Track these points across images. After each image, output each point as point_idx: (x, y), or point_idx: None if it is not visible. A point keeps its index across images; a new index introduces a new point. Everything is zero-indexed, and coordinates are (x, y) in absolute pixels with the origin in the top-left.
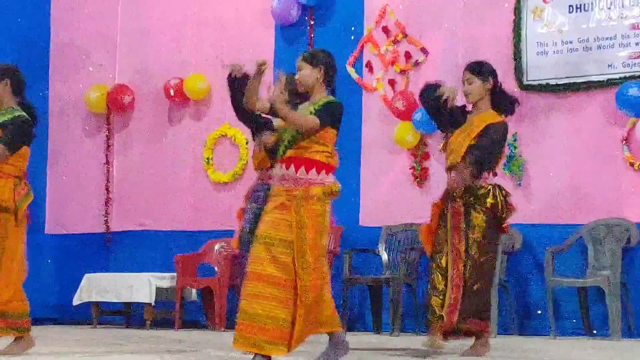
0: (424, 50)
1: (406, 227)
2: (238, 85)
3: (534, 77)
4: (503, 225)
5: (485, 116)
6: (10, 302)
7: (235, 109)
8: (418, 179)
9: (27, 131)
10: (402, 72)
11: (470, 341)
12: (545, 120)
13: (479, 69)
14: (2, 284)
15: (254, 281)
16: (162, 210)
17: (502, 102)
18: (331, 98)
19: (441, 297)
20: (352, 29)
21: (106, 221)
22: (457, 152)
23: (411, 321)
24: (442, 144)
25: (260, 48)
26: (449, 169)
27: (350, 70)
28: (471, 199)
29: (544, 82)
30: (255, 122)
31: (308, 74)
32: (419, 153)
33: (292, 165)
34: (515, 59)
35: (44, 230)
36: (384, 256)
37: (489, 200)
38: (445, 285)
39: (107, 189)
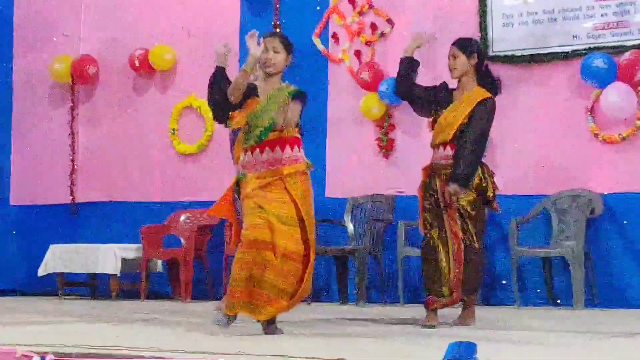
0: (390, 22)
1: (372, 198)
2: (219, 76)
3: (500, 48)
4: (493, 205)
5: (473, 94)
6: None
7: (212, 96)
8: (384, 150)
9: None
10: (368, 43)
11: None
12: (511, 91)
13: (465, 45)
14: None
15: (253, 249)
16: (128, 181)
17: (487, 80)
18: (294, 86)
19: (444, 276)
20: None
21: (72, 192)
22: (447, 131)
23: (376, 292)
24: (430, 121)
25: (226, 18)
26: (437, 145)
27: (316, 41)
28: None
29: (509, 54)
30: (227, 109)
31: (284, 60)
32: (385, 124)
33: (277, 147)
34: (481, 31)
35: (9, 202)
36: (350, 227)
37: (475, 180)
38: (447, 262)
39: (72, 160)
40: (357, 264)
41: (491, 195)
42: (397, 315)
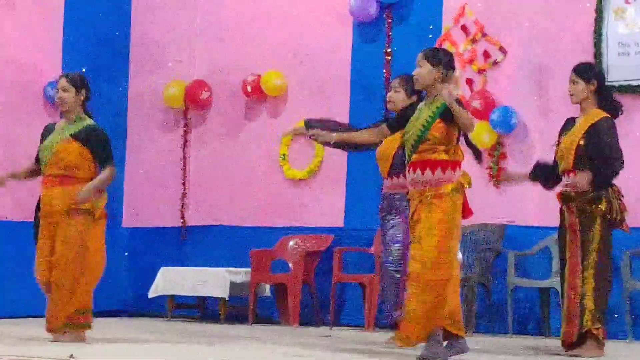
0: (502, 50)
1: (482, 227)
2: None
3: (614, 77)
4: (623, 227)
5: (589, 116)
6: (84, 300)
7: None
8: (494, 179)
9: (108, 140)
10: (480, 71)
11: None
12: (626, 121)
13: (583, 70)
14: (83, 283)
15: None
16: (237, 205)
17: (607, 104)
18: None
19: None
20: (430, 27)
21: (182, 215)
22: (567, 157)
23: (485, 321)
24: (555, 150)
25: (338, 45)
26: (562, 173)
27: None
28: (584, 203)
29: (625, 83)
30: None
31: (427, 72)
32: (496, 153)
33: (419, 169)
34: (596, 59)
35: (121, 224)
36: (459, 256)
37: (602, 206)
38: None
39: (183, 184)
40: (466, 292)
41: (618, 218)
42: (506, 344)
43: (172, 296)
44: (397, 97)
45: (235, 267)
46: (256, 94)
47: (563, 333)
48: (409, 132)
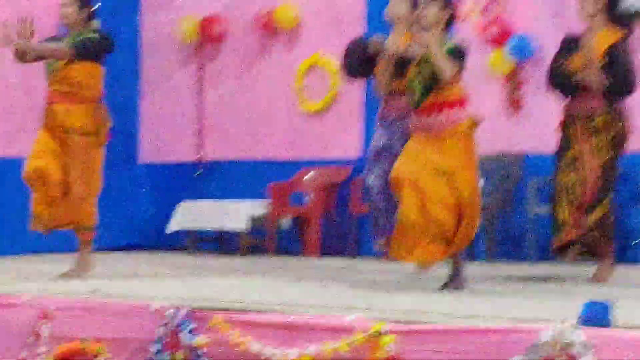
0: None
1: (501, 156)
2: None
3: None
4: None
5: (604, 34)
6: (86, 216)
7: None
8: (513, 107)
9: (99, 45)
10: None
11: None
12: None
13: None
14: (86, 202)
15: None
16: (254, 139)
17: (619, 22)
18: (456, 42)
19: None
20: None
21: (200, 150)
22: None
23: (506, 249)
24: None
25: None
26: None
27: None
28: (592, 124)
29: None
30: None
31: (433, 15)
32: (514, 81)
33: (435, 111)
34: None
35: (137, 161)
36: (480, 183)
37: (611, 130)
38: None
39: (200, 119)
40: (486, 221)
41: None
42: (528, 272)
43: (192, 230)
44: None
45: (255, 200)
46: (269, 28)
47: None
48: (420, 73)
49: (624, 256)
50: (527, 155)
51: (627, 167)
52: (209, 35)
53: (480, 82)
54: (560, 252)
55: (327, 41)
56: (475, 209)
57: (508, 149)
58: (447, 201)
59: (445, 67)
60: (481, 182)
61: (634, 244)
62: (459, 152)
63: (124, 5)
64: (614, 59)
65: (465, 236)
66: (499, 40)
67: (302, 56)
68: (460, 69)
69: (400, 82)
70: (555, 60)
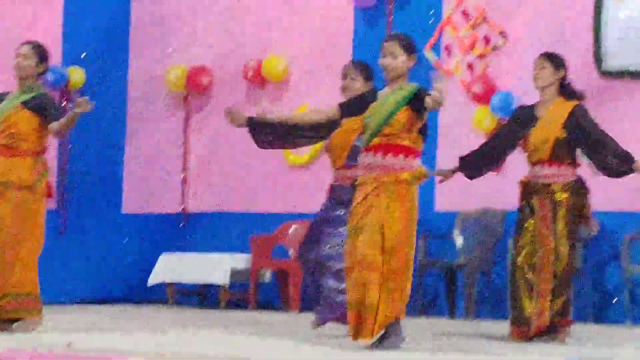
0: (503, 34)
1: (483, 213)
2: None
3: (614, 63)
4: (589, 224)
5: (558, 105)
6: (24, 282)
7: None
8: None
9: (54, 104)
10: (481, 56)
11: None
12: (625, 106)
13: (553, 56)
14: (20, 263)
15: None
16: (238, 191)
17: (570, 92)
18: (415, 84)
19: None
20: (431, 12)
21: (183, 202)
22: (541, 149)
23: (486, 307)
24: (522, 142)
25: (339, 30)
26: (534, 163)
27: (429, 54)
28: (553, 195)
29: (624, 69)
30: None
31: (403, 63)
32: None
33: (380, 152)
34: (595, 45)
35: (120, 210)
36: (459, 241)
37: (567, 196)
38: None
39: (184, 170)
40: (465, 278)
41: (585, 213)
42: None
43: (173, 283)
44: (354, 85)
45: (236, 253)
46: (257, 79)
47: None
48: (372, 116)
49: (603, 315)
50: (510, 212)
51: (606, 225)
52: (196, 85)
53: (464, 137)
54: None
55: (316, 93)
56: (402, 263)
57: (490, 205)
58: (375, 259)
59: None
60: (460, 239)
61: (614, 302)
62: (397, 201)
63: (112, 53)
64: (580, 121)
65: (393, 303)
66: (483, 96)
67: (290, 108)
68: (416, 112)
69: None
70: (499, 132)
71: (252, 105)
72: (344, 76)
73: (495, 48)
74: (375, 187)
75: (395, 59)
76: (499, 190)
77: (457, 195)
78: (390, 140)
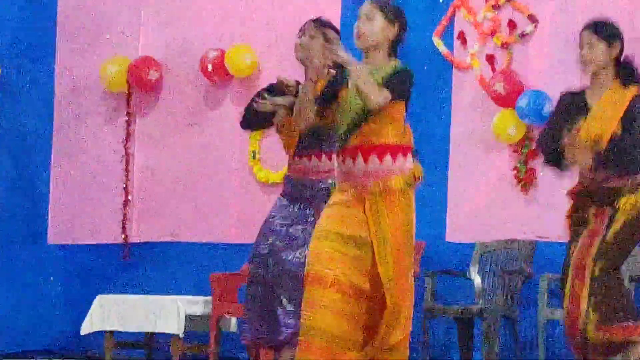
0: (532, 18)
1: (506, 245)
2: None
3: None
4: None
5: (615, 93)
6: None
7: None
8: (522, 183)
9: None
10: (504, 45)
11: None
12: None
13: (604, 29)
14: None
15: (315, 286)
16: (195, 216)
17: (628, 74)
18: (399, 64)
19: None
20: None
21: (125, 229)
22: (595, 148)
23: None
24: (566, 138)
25: (322, 12)
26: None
27: (438, 43)
28: (611, 199)
29: None
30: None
31: (381, 28)
32: (524, 150)
33: (360, 156)
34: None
35: (46, 241)
36: (477, 280)
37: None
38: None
39: (126, 189)
40: (485, 327)
41: None
42: None
43: (112, 332)
44: (312, 45)
45: (193, 295)
46: (219, 74)
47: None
48: (344, 109)
49: None
50: (540, 243)
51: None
52: (141, 83)
53: (483, 149)
54: None
55: None
56: (399, 296)
57: (516, 235)
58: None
59: (371, 92)
60: (478, 277)
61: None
62: (387, 216)
63: (36, 45)
64: (635, 122)
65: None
66: (507, 97)
67: None
68: (400, 98)
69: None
70: (551, 124)
71: (212, 107)
72: (301, 33)
73: (522, 35)
74: (356, 197)
75: (371, 22)
76: (527, 215)
77: (474, 222)
78: (370, 140)
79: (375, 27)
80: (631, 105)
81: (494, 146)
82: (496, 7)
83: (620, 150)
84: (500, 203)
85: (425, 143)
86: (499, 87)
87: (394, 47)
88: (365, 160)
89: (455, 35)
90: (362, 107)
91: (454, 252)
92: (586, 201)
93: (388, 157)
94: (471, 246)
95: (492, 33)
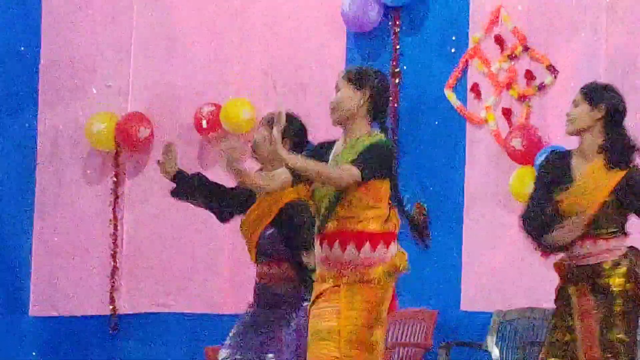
0: (551, 69)
1: (527, 314)
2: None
3: None
4: None
5: (600, 168)
6: None
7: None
8: (542, 248)
9: None
10: (522, 98)
11: None
12: None
13: (591, 91)
14: None
15: None
16: (188, 285)
17: (616, 146)
18: (377, 136)
19: None
20: (453, 38)
21: (112, 300)
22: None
23: None
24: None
25: (327, 63)
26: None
27: (450, 96)
28: (597, 279)
29: None
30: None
31: (347, 97)
32: None
33: (337, 243)
34: None
35: (27, 312)
36: (495, 352)
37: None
38: None
39: (114, 256)
40: None
41: None
42: None
43: None
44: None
45: None
46: (214, 131)
47: None
48: (318, 190)
49: None
50: None
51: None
52: (129, 142)
53: (500, 209)
54: None
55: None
56: None
57: (536, 303)
58: None
59: (330, 177)
60: (496, 349)
61: None
62: (361, 307)
63: (17, 98)
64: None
65: None
66: (525, 154)
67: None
68: (378, 176)
69: None
70: (534, 199)
71: (207, 166)
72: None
73: (540, 87)
74: (334, 285)
75: (338, 93)
76: (548, 281)
77: (491, 290)
78: (348, 225)
79: (339, 97)
80: (629, 175)
81: (512, 206)
82: (512, 57)
83: (609, 217)
84: (520, 268)
85: (438, 203)
86: (517, 143)
87: (376, 115)
88: (343, 249)
89: (469, 87)
90: (334, 193)
91: (469, 322)
92: (569, 279)
93: (367, 246)
94: (488, 315)
95: (508, 85)
